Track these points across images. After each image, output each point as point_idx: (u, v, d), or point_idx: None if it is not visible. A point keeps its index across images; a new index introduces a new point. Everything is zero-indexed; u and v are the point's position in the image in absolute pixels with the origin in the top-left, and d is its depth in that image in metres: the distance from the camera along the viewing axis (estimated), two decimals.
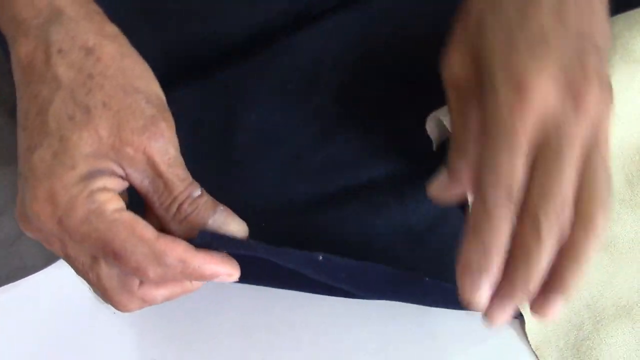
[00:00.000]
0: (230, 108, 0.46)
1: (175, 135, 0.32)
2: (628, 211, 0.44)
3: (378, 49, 0.48)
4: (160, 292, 0.33)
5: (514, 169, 0.29)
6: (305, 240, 0.42)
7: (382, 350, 0.42)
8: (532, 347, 0.41)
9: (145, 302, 0.33)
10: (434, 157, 0.45)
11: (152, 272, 0.30)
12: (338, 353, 0.42)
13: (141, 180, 0.31)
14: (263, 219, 0.43)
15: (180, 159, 0.32)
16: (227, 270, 0.33)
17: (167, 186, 0.31)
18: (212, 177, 0.44)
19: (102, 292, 0.32)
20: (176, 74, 0.45)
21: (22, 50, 0.31)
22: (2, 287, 0.43)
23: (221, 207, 0.33)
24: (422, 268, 0.42)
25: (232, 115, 0.46)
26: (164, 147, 0.31)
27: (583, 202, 0.30)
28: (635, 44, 0.42)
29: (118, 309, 0.33)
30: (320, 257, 0.34)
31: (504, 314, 0.30)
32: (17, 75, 0.32)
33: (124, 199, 0.32)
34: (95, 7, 0.33)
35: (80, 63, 0.31)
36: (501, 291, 0.30)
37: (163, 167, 0.31)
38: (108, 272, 0.32)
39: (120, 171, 0.31)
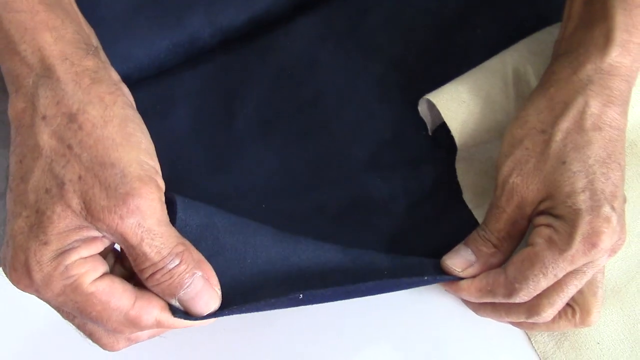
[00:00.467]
0: (231, 91, 0.47)
1: (158, 202, 0.32)
2: None
3: (374, 34, 0.48)
4: (144, 333, 0.34)
5: (544, 288, 0.37)
6: (305, 218, 0.44)
7: (367, 324, 0.43)
8: None
9: (131, 341, 0.34)
10: (427, 139, 0.46)
11: (129, 332, 0.32)
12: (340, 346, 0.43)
13: (119, 244, 0.32)
14: (263, 198, 0.44)
15: (160, 229, 0.31)
16: (201, 322, 0.34)
17: (139, 257, 0.31)
18: (214, 157, 0.46)
19: (89, 335, 0.34)
20: (179, 59, 0.46)
21: (13, 108, 0.31)
22: None
23: (198, 274, 0.33)
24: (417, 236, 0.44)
25: (233, 98, 0.47)
26: (136, 223, 0.31)
27: (586, 302, 0.38)
28: None
29: (106, 349, 0.34)
30: (300, 296, 0.36)
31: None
32: (12, 130, 0.32)
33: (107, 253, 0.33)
34: (88, 64, 0.33)
35: (61, 132, 0.30)
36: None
37: (134, 242, 0.31)
38: None
39: (98, 234, 0.31)
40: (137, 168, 0.31)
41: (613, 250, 0.36)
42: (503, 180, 0.38)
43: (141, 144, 0.32)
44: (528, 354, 0.42)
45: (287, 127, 0.46)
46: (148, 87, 0.46)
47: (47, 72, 0.31)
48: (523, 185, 0.37)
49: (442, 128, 0.44)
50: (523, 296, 0.37)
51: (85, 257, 0.31)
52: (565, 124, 0.37)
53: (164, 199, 0.33)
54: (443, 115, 0.42)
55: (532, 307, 0.38)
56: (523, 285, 0.36)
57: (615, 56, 0.37)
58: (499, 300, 0.38)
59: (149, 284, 0.32)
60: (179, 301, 0.33)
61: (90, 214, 0.30)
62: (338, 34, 0.48)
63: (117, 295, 0.31)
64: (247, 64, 0.48)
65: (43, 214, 0.30)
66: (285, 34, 0.48)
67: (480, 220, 0.42)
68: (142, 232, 0.31)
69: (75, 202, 0.30)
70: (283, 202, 0.44)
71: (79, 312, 0.31)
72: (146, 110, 0.46)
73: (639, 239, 0.44)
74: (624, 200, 0.37)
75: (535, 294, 0.37)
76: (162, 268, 0.31)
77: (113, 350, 0.34)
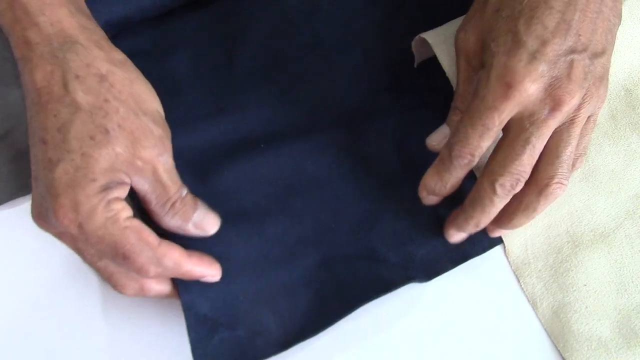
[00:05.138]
0: (230, 35, 0.47)
1: (171, 146, 0.38)
2: (610, 143, 0.46)
3: None
4: (155, 286, 0.39)
5: (481, 147, 0.37)
6: (302, 158, 0.45)
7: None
8: (512, 268, 0.44)
9: (143, 290, 0.38)
10: (423, 88, 0.47)
11: (153, 271, 0.36)
12: None
13: (142, 184, 0.36)
14: (262, 139, 0.45)
15: (174, 166, 0.38)
16: (212, 272, 0.40)
17: (164, 188, 0.37)
18: (214, 99, 0.46)
19: (109, 277, 0.38)
20: (178, 1, 0.47)
21: (37, 73, 0.34)
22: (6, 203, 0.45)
23: (199, 203, 0.39)
24: (410, 190, 0.44)
25: (233, 42, 0.47)
26: (166, 159, 0.37)
27: (543, 170, 0.38)
28: None
29: (119, 290, 0.38)
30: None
31: (459, 237, 0.43)
32: (30, 95, 0.35)
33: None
34: (102, 34, 0.38)
35: (96, 89, 0.35)
36: (457, 221, 0.41)
37: (164, 175, 0.37)
38: None
39: (127, 179, 0.36)
40: (159, 116, 0.38)
41: (559, 110, 0.36)
42: (455, 40, 0.39)
43: (157, 97, 0.38)
44: (517, 295, 0.44)
45: (286, 72, 0.47)
46: (149, 29, 0.47)
47: (69, 39, 0.35)
48: (466, 39, 0.38)
49: (439, 71, 0.45)
50: (458, 150, 0.37)
51: (120, 198, 0.36)
52: None
53: None
54: (437, 54, 0.42)
55: (490, 170, 0.38)
56: (455, 138, 0.38)
57: None
58: (446, 166, 0.39)
59: (169, 215, 0.38)
60: (194, 224, 0.39)
61: (132, 154, 0.35)
62: None
63: (147, 231, 0.36)
64: (248, 9, 0.48)
65: (90, 157, 0.34)
66: None
67: None
68: (168, 167, 0.37)
69: (119, 145, 0.35)
70: (281, 144, 0.45)
71: (113, 248, 0.35)
72: (147, 52, 0.47)
73: (628, 186, 0.45)
74: (597, 55, 0.36)
75: (469, 148, 0.37)
76: (180, 197, 0.38)
77: (124, 292, 0.38)
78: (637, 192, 0.45)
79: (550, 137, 0.37)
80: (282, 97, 0.46)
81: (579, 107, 0.37)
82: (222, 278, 0.41)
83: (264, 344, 0.40)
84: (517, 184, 0.37)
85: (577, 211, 0.44)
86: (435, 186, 0.40)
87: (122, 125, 0.35)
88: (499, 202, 0.39)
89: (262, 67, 0.47)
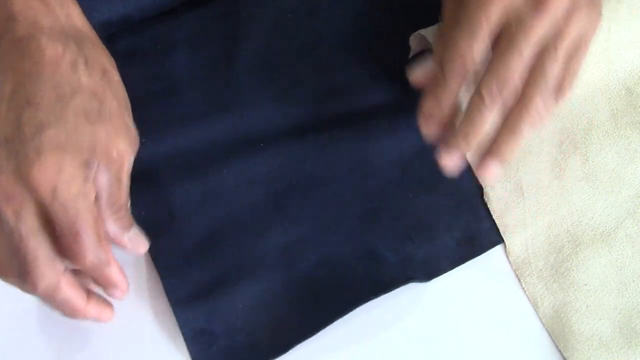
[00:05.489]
0: (230, 35, 0.47)
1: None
2: (611, 143, 0.46)
3: None
4: (68, 290, 0.37)
5: (471, 50, 0.37)
6: (303, 157, 0.45)
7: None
8: (513, 268, 0.44)
9: (57, 288, 0.36)
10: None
11: (89, 259, 0.36)
12: None
13: (104, 178, 0.37)
14: (262, 137, 0.45)
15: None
16: (122, 285, 0.39)
17: (119, 189, 0.37)
18: (213, 98, 0.46)
19: (32, 259, 0.35)
20: (178, 0, 0.47)
21: (47, 50, 0.36)
22: None
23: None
24: (410, 190, 0.44)
25: (232, 42, 0.47)
26: (132, 161, 0.38)
27: (527, 86, 0.37)
28: None
29: (28, 280, 0.35)
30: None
31: (453, 160, 0.40)
32: (26, 67, 0.36)
33: None
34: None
35: (98, 79, 0.37)
36: (450, 141, 0.39)
37: (125, 176, 0.38)
38: (47, 245, 0.35)
39: (95, 168, 0.36)
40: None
41: (542, 9, 0.35)
42: None
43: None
44: (517, 295, 0.43)
45: (286, 71, 0.47)
46: (149, 29, 0.47)
47: (81, 33, 0.38)
48: None
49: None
50: (448, 56, 0.37)
51: (91, 180, 0.36)
52: None
53: None
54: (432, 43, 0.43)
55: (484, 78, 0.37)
56: (445, 51, 0.37)
57: None
58: (439, 82, 0.38)
59: (113, 218, 0.38)
60: (129, 237, 0.39)
61: (112, 142, 0.36)
62: None
63: (100, 221, 0.37)
64: (248, 8, 0.48)
65: (82, 131, 0.35)
66: None
67: None
68: (129, 170, 0.38)
69: (105, 131, 0.36)
70: (280, 143, 0.45)
71: (72, 221, 0.35)
72: (147, 51, 0.47)
73: (628, 185, 0.45)
74: None
75: (458, 50, 0.37)
76: (126, 205, 0.39)
77: (36, 283, 0.35)
78: (638, 191, 0.45)
79: (538, 53, 0.37)
80: (281, 97, 0.46)
81: (566, 18, 0.36)
82: (219, 288, 0.42)
83: (264, 347, 0.40)
84: (503, 88, 0.37)
85: (577, 210, 0.44)
86: (432, 108, 0.39)
87: (111, 116, 0.37)
88: (487, 111, 0.37)
89: (262, 67, 0.47)
